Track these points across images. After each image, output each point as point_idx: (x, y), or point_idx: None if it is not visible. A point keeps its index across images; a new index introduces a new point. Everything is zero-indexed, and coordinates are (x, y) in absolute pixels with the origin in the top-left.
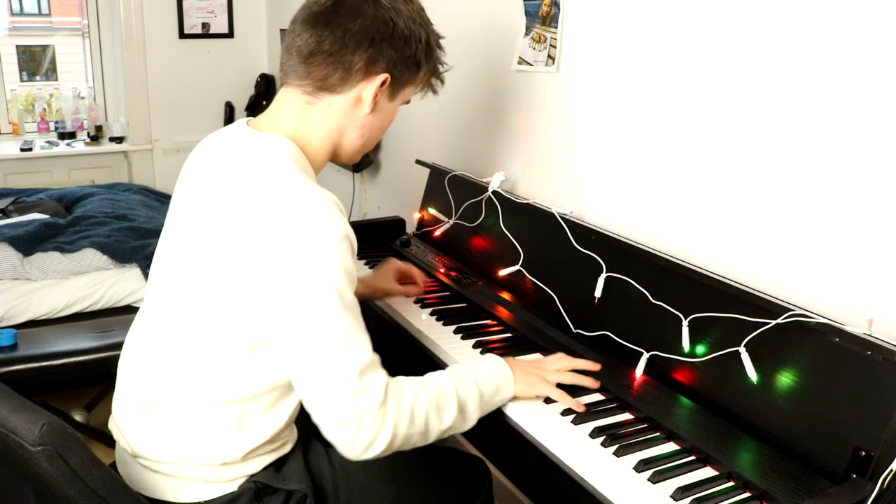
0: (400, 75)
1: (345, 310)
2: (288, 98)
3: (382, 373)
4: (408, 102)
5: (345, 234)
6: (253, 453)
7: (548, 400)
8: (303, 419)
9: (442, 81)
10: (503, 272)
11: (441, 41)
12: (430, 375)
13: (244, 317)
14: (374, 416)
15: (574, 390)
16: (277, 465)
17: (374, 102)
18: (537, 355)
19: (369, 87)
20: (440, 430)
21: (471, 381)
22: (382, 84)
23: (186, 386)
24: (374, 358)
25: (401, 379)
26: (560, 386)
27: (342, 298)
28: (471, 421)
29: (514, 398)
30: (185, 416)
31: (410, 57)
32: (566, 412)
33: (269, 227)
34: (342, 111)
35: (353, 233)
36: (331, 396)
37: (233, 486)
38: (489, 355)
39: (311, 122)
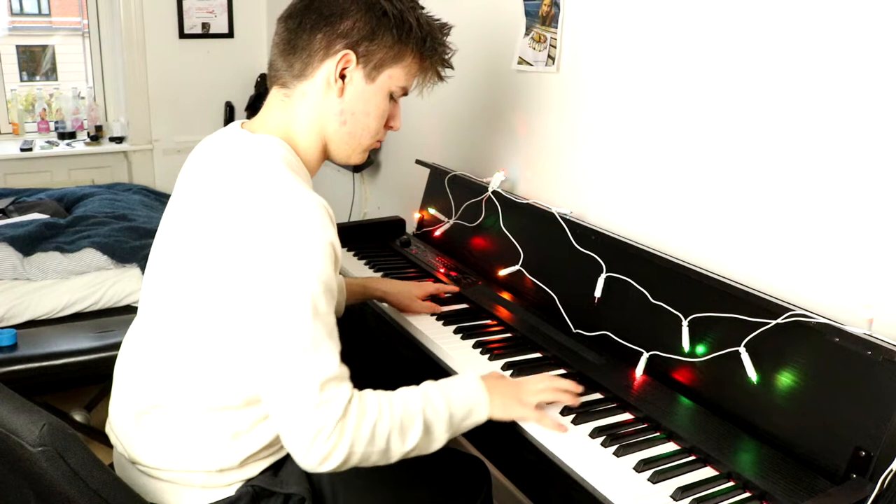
0: (369, 53)
1: (315, 319)
2: (272, 96)
3: (346, 386)
4: (405, 93)
5: (329, 241)
6: (250, 459)
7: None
8: None
9: (446, 66)
10: (503, 272)
11: (436, 23)
12: (401, 392)
13: (235, 321)
14: (330, 430)
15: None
16: (275, 468)
17: (342, 83)
18: (537, 355)
19: (330, 63)
20: (402, 451)
21: (441, 402)
22: (346, 61)
23: (181, 391)
24: (340, 371)
25: (367, 394)
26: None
27: (315, 307)
28: (438, 442)
29: (490, 420)
30: (181, 421)
31: (374, 31)
32: (566, 412)
33: (255, 229)
34: (316, 99)
35: (339, 241)
36: (288, 405)
37: (230, 491)
38: (467, 374)
39: (294, 116)
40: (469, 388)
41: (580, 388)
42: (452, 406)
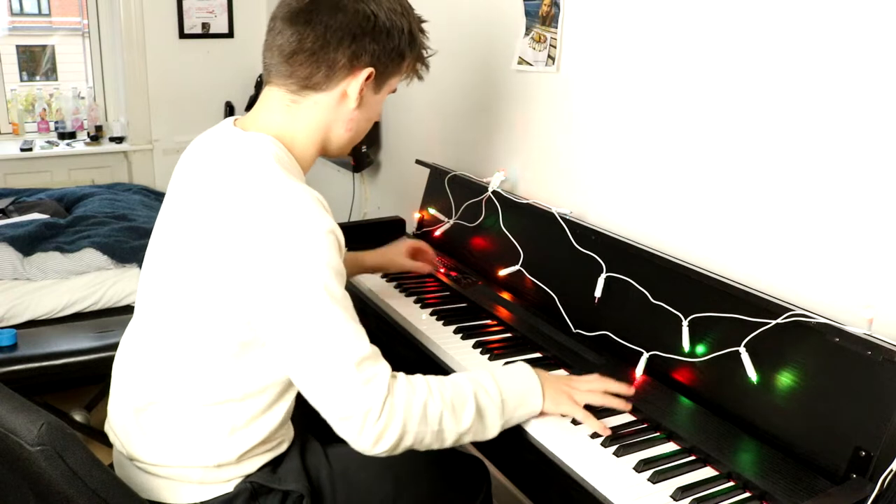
0: (385, 68)
1: (335, 304)
2: (272, 97)
3: (384, 365)
4: (394, 91)
5: (329, 229)
6: (248, 454)
7: None
8: (299, 418)
9: (427, 67)
10: (503, 272)
11: (423, 25)
12: (451, 376)
13: (233, 316)
14: (379, 409)
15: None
16: (274, 464)
17: (360, 97)
18: (537, 355)
19: (354, 83)
20: (457, 433)
21: (493, 387)
22: (367, 78)
23: (178, 387)
24: (372, 350)
25: (416, 375)
26: (588, 407)
27: (331, 293)
28: (491, 429)
29: (542, 414)
30: (178, 417)
31: (394, 49)
32: None
33: (253, 225)
34: (328, 108)
35: (339, 228)
36: (331, 392)
37: (229, 487)
38: (520, 363)
39: (297, 120)
40: (523, 377)
41: (631, 391)
42: (505, 393)
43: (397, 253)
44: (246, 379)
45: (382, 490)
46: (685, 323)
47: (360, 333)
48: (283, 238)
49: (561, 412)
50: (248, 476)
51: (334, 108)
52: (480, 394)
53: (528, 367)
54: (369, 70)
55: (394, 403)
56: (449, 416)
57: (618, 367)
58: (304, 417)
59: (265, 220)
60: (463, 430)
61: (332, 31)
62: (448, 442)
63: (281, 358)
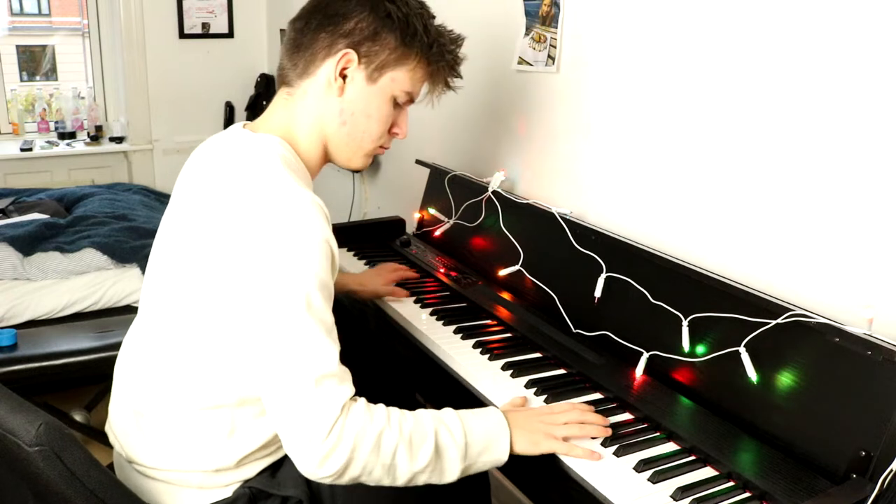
0: (371, 53)
1: (311, 315)
2: (276, 97)
3: (346, 387)
4: (412, 100)
5: (324, 238)
6: (247, 459)
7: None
8: None
9: (454, 74)
10: (503, 272)
11: (447, 32)
12: (417, 411)
13: (230, 319)
14: (328, 429)
15: None
16: (273, 469)
17: (343, 81)
18: (537, 355)
19: (332, 63)
20: (411, 471)
21: (458, 428)
22: (347, 60)
23: (177, 390)
24: (340, 370)
25: (377, 405)
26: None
27: (309, 304)
28: (450, 472)
29: (514, 456)
30: (177, 421)
31: (377, 32)
32: None
33: (250, 227)
34: (317, 97)
35: (334, 239)
36: (284, 402)
37: (227, 492)
38: (491, 409)
39: (295, 114)
40: (490, 422)
41: (607, 422)
42: (469, 436)
43: (376, 288)
44: (244, 383)
45: (381, 494)
46: (685, 323)
47: (330, 351)
48: (275, 240)
49: (541, 451)
50: (246, 481)
51: (323, 97)
52: (442, 432)
53: (499, 412)
54: (346, 51)
55: (345, 426)
56: (404, 451)
57: (618, 367)
58: None
59: (262, 222)
60: (418, 469)
61: (314, 16)
62: (400, 480)
63: (249, 360)
